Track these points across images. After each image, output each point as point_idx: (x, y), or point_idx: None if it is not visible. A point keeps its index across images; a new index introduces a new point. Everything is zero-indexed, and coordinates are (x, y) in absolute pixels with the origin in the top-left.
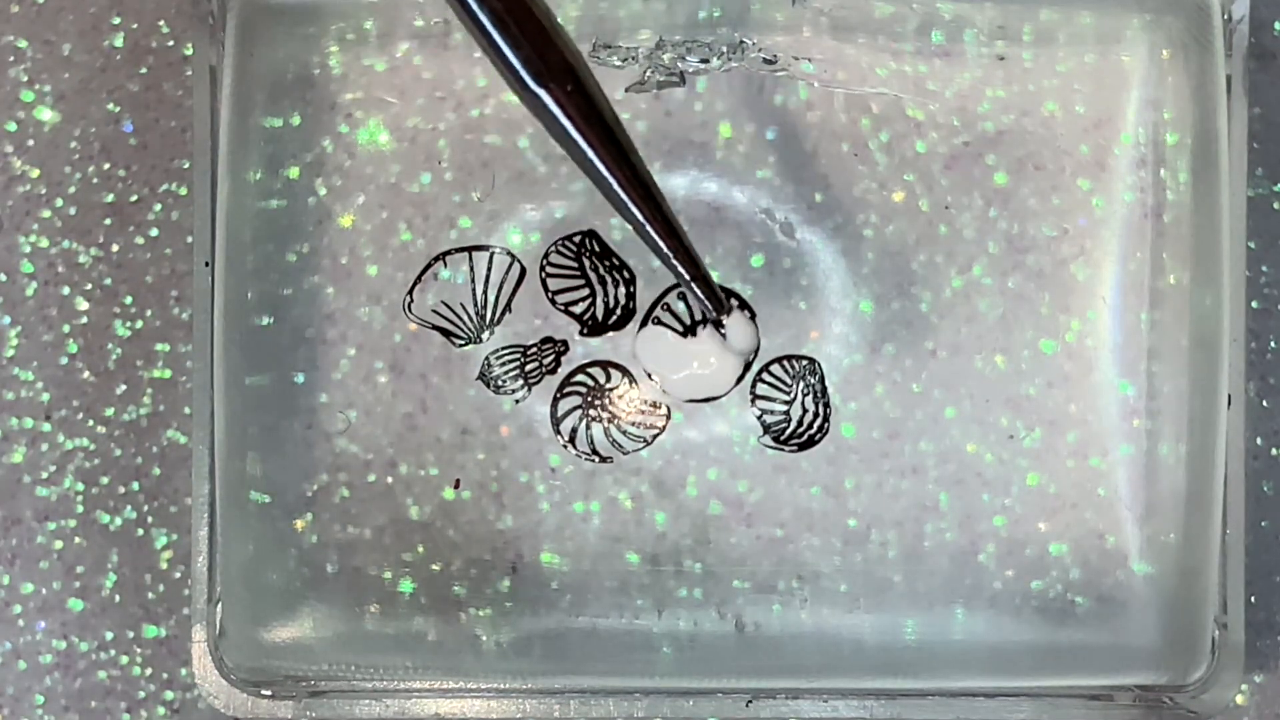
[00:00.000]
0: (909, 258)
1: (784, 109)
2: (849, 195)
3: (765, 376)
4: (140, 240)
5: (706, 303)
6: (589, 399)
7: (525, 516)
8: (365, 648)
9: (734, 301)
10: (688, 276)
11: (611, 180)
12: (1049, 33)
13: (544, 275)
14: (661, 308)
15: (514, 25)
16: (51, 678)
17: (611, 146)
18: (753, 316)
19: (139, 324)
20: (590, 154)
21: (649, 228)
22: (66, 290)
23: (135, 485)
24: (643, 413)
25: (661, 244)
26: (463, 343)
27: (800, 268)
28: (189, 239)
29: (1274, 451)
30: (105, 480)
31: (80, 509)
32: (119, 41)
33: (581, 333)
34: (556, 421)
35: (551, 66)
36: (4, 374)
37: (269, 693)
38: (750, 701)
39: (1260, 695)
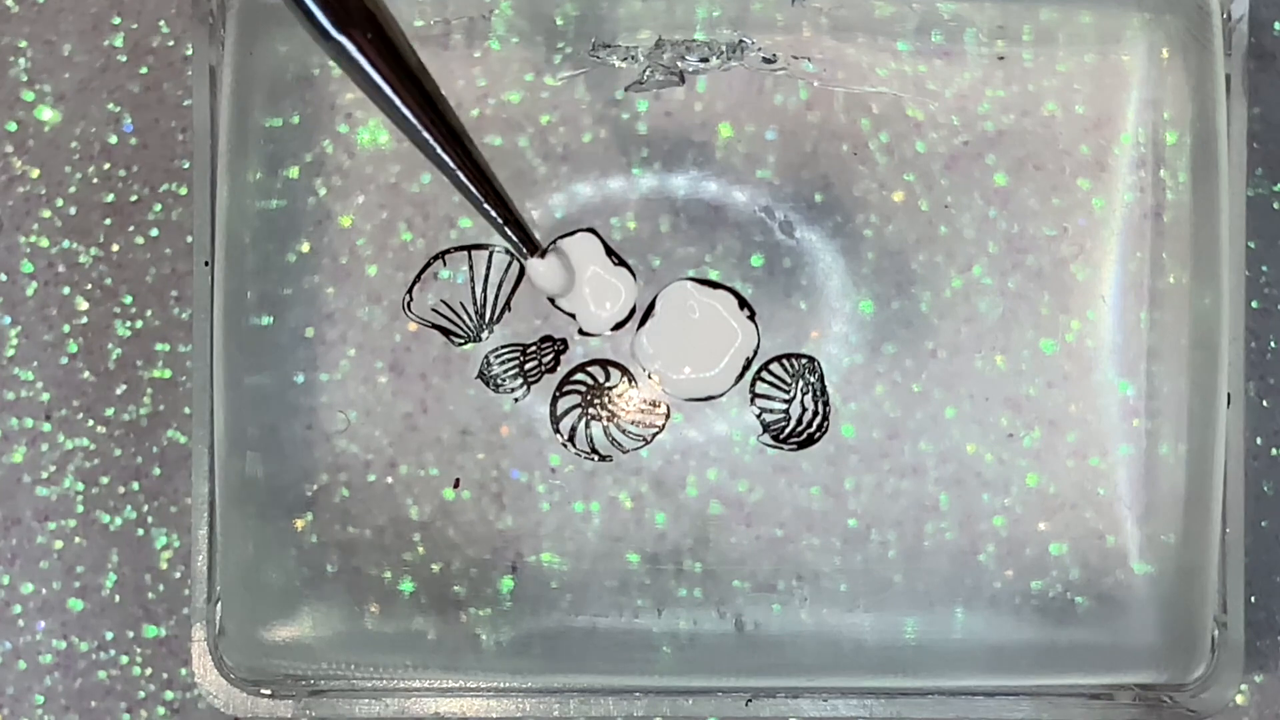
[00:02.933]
0: (909, 258)
1: (784, 109)
2: (849, 195)
3: (765, 375)
4: (140, 240)
5: (520, 245)
6: (588, 398)
7: (525, 516)
8: (365, 647)
9: (551, 244)
10: (500, 220)
11: (419, 127)
12: (1049, 33)
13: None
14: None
15: None
16: (51, 678)
17: (416, 94)
18: (752, 315)
19: (139, 324)
20: (396, 101)
21: (460, 174)
22: (66, 290)
23: (135, 485)
24: (642, 412)
25: (473, 189)
26: (462, 342)
27: (800, 267)
28: (189, 239)
29: (1274, 451)
30: (105, 480)
31: (80, 509)
32: (119, 41)
33: (581, 331)
34: (556, 420)
35: (352, 13)
36: (4, 374)
37: (269, 692)
38: (750, 700)
39: (1260, 695)
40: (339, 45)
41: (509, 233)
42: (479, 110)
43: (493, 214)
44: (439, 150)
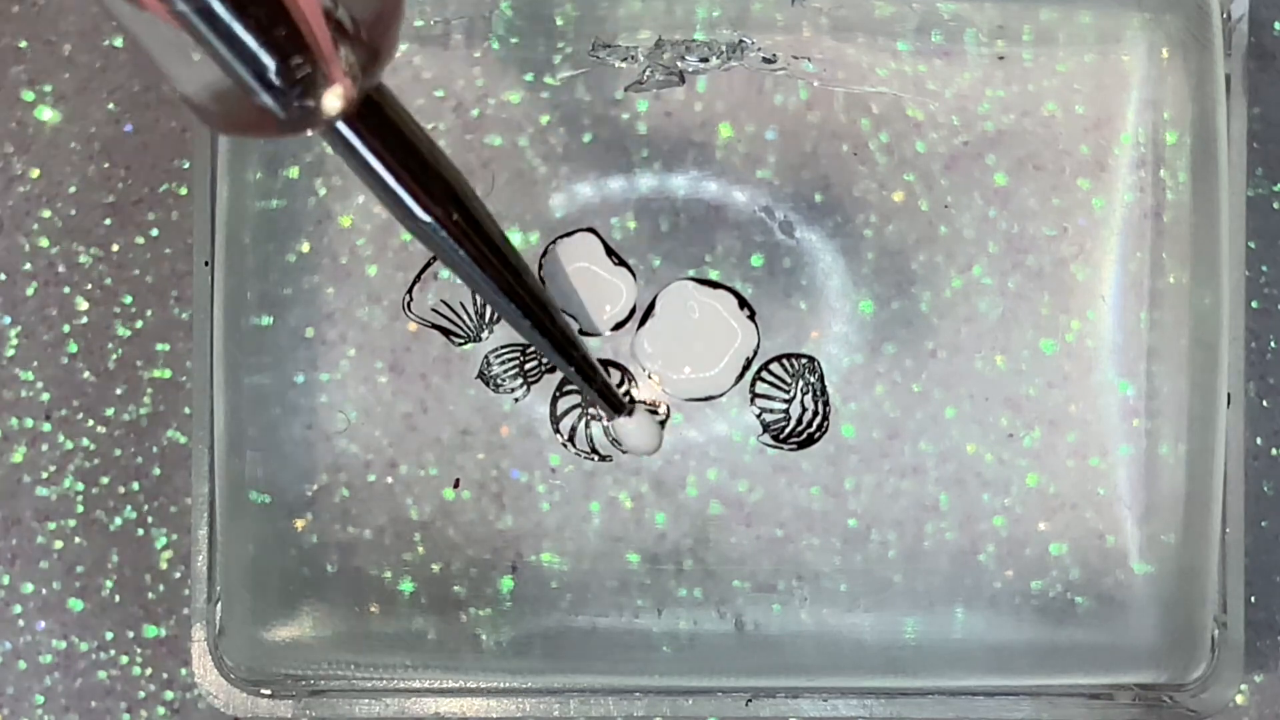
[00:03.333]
0: (909, 258)
1: (784, 109)
2: (849, 195)
3: (765, 375)
4: (140, 240)
5: (609, 409)
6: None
7: (525, 516)
8: (365, 647)
9: (637, 405)
10: (587, 383)
11: (506, 299)
12: (1049, 33)
13: (542, 275)
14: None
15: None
16: (51, 678)
17: (506, 267)
18: (752, 315)
19: (139, 324)
20: (483, 278)
21: (548, 344)
22: (66, 290)
23: (135, 485)
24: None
25: (559, 358)
26: (462, 342)
27: (800, 267)
28: (189, 239)
29: (1274, 451)
30: (105, 480)
31: (80, 509)
32: (119, 41)
33: (581, 332)
34: (556, 420)
35: (435, 195)
36: (4, 374)
37: (269, 692)
38: (750, 700)
39: (1260, 695)
40: (426, 226)
41: (595, 396)
42: (479, 110)
43: (581, 380)
44: (526, 321)
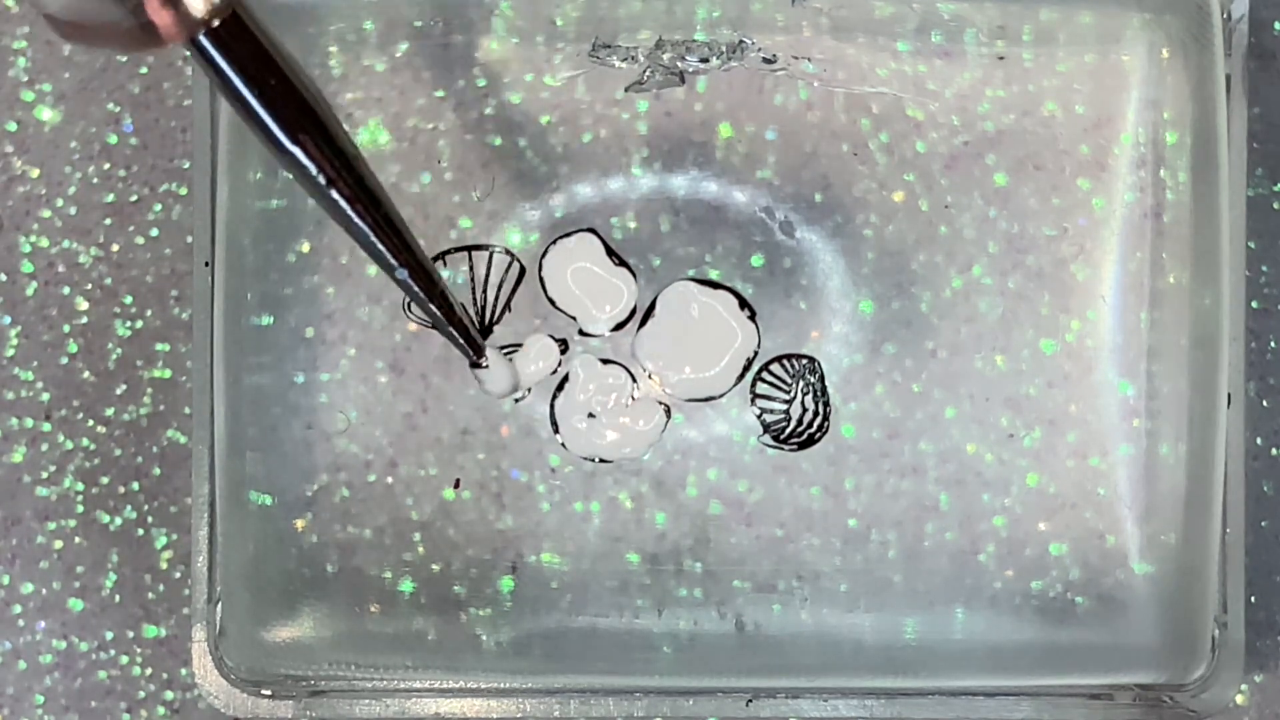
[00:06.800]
0: (909, 258)
1: (784, 109)
2: (849, 195)
3: (765, 376)
4: (140, 240)
5: (467, 349)
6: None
7: (525, 516)
8: (365, 648)
9: (493, 349)
10: (444, 321)
11: (362, 225)
12: (1049, 33)
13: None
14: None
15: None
16: (51, 678)
17: (364, 193)
18: (753, 315)
19: (139, 324)
20: (344, 205)
21: (410, 279)
22: (66, 290)
23: (135, 485)
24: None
25: (416, 288)
26: None
27: (800, 267)
28: (189, 239)
29: (1274, 451)
30: (105, 480)
31: (80, 509)
32: None
33: (581, 332)
34: (556, 421)
35: (291, 117)
36: (4, 374)
37: (269, 693)
38: (750, 701)
39: (1260, 695)
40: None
41: (454, 335)
42: (479, 110)
43: (437, 314)
44: (381, 247)
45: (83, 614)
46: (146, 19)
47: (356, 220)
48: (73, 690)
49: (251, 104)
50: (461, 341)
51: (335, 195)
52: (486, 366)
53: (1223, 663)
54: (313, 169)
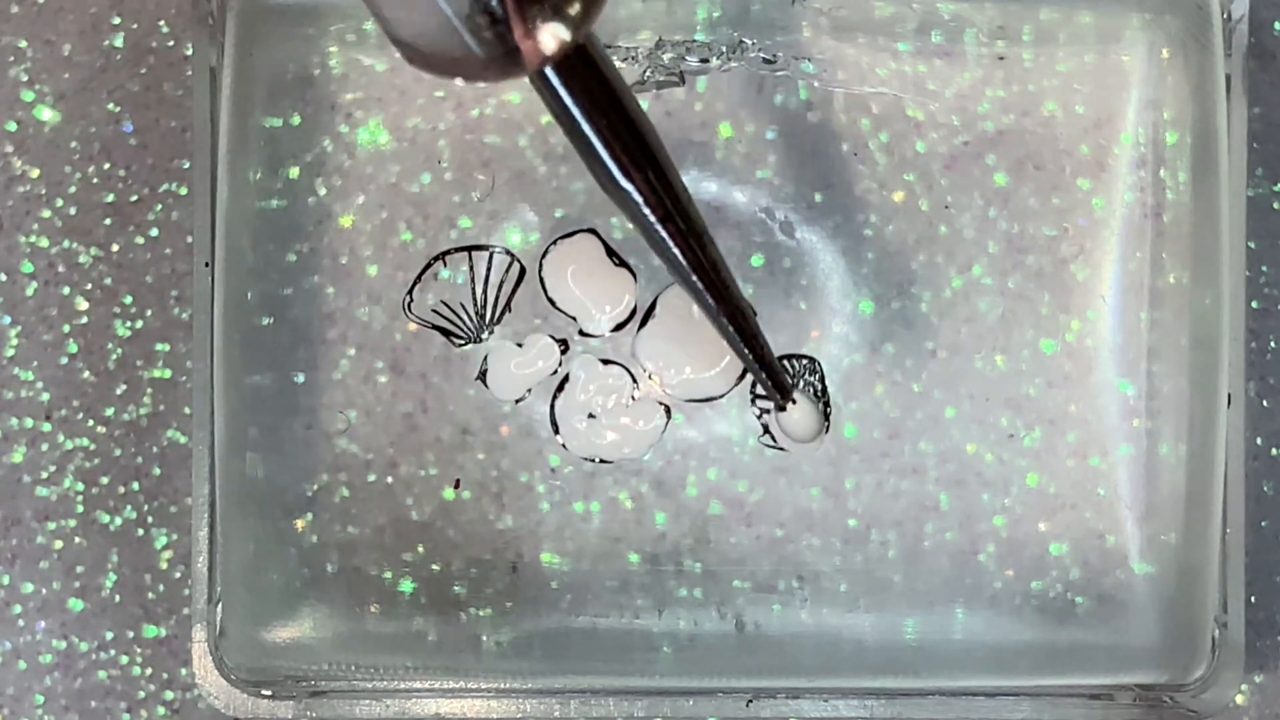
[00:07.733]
0: (909, 258)
1: (784, 109)
2: (849, 195)
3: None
4: (140, 240)
5: (773, 393)
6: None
7: (525, 516)
8: (365, 648)
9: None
10: (758, 365)
11: (685, 263)
12: (1049, 33)
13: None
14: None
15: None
16: (51, 678)
17: (692, 233)
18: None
19: (139, 324)
20: (669, 244)
21: (723, 320)
22: (66, 290)
23: (135, 485)
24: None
25: (733, 336)
26: (462, 342)
27: (800, 267)
28: (189, 239)
29: (1274, 451)
30: (105, 480)
31: (80, 509)
32: (119, 41)
33: (581, 332)
34: (556, 421)
35: (634, 156)
36: (4, 374)
37: (269, 693)
38: (750, 701)
39: (1260, 695)
40: (624, 191)
41: (764, 377)
42: (479, 110)
43: (748, 356)
44: (700, 283)
45: (83, 614)
46: (512, 46)
47: (680, 259)
48: (73, 690)
49: (590, 138)
50: (770, 384)
51: (663, 234)
52: (790, 407)
53: (1223, 663)
54: (644, 207)
